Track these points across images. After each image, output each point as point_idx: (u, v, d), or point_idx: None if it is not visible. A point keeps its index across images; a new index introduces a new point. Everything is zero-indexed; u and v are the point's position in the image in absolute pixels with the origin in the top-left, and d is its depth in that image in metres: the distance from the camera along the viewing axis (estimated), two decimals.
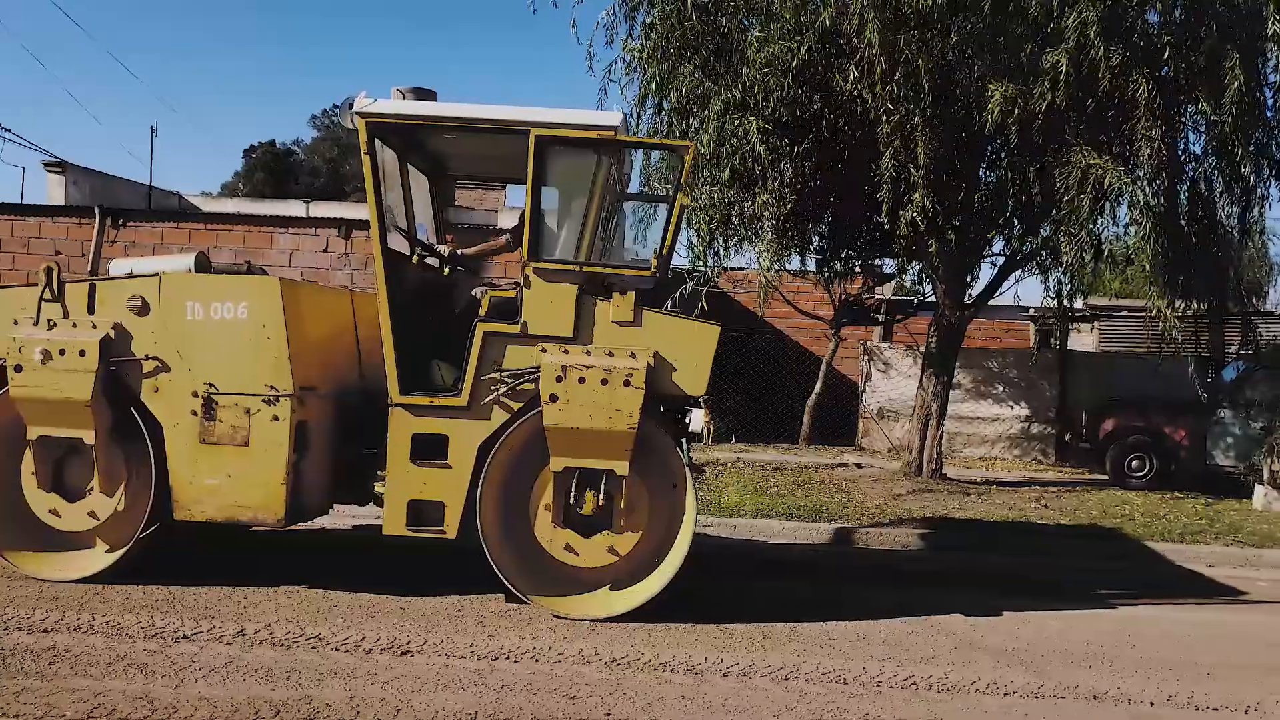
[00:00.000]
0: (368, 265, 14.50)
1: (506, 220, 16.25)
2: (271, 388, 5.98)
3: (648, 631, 5.77)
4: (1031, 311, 18.35)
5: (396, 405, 6.04)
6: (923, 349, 13.26)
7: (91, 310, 6.10)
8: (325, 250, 14.48)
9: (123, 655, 4.92)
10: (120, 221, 14.55)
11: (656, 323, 6.01)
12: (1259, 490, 11.61)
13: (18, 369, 5.96)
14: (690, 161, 6.19)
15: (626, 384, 5.75)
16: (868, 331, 17.83)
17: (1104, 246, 9.78)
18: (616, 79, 11.43)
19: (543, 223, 6.03)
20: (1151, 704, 5.06)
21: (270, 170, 48.23)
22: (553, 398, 5.78)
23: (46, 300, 6.06)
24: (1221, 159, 9.86)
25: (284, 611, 5.77)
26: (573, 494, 5.96)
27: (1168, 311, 9.47)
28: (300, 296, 6.29)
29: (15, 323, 6.08)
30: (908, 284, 17.49)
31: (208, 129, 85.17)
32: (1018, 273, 11.65)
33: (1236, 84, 8.52)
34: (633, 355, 5.86)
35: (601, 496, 5.90)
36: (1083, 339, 19.02)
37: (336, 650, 5.18)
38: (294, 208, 23.33)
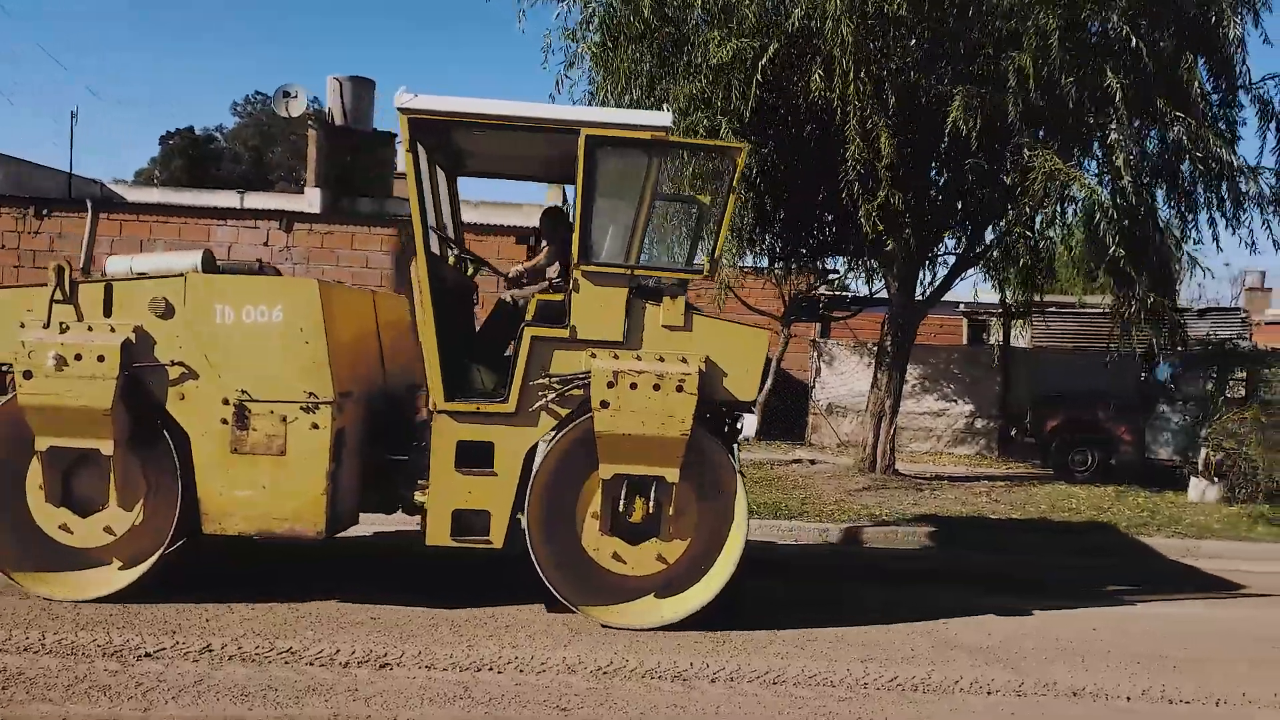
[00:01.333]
0: (310, 259, 14.14)
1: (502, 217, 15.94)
2: (310, 394, 5.68)
3: (629, 638, 5.68)
4: (962, 307, 18.71)
5: (441, 412, 5.81)
6: (871, 345, 13.41)
7: (108, 312, 5.71)
8: (266, 243, 14.04)
9: (82, 676, 4.65)
10: (45, 212, 13.95)
11: (707, 327, 5.90)
12: (1194, 482, 12.00)
13: (27, 375, 5.53)
14: (742, 163, 6.04)
15: (679, 389, 5.62)
16: (809, 328, 17.99)
17: (1055, 246, 9.96)
18: (575, 73, 11.37)
19: (593, 225, 5.84)
20: (1128, 699, 5.15)
21: (189, 157, 46.56)
22: (604, 404, 5.64)
23: (57, 301, 5.65)
24: (1162, 170, 10.18)
25: (249, 625, 5.53)
26: (622, 501, 5.82)
27: (1124, 310, 9.71)
28: (334, 297, 5.98)
29: (22, 325, 5.66)
30: (848, 282, 17.68)
31: (127, 115, 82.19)
32: (972, 270, 11.84)
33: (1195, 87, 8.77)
34: (684, 360, 5.73)
35: (651, 504, 5.78)
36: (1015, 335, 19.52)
37: (311, 665, 4.98)
38: (226, 198, 22.61)
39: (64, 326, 5.65)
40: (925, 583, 7.58)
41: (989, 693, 5.13)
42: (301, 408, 5.67)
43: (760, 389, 6.10)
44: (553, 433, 5.85)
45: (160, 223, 14.05)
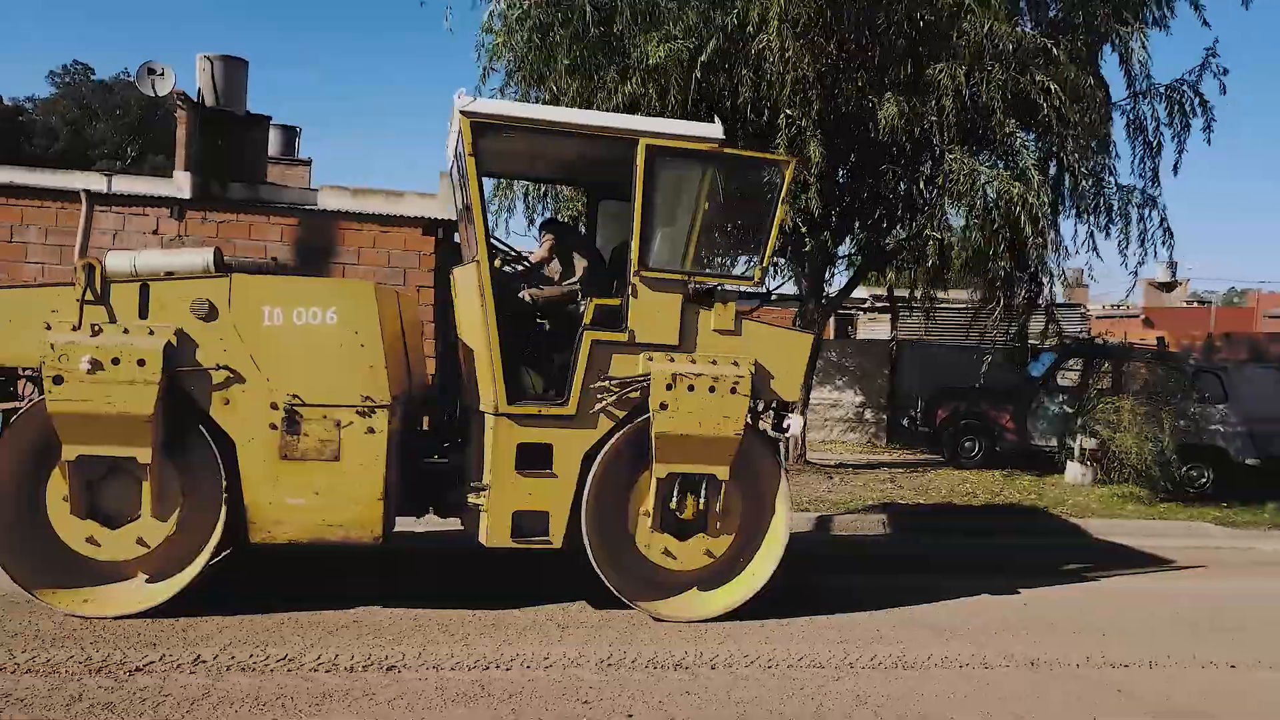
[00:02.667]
0: (204, 249, 13.46)
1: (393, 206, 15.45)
2: (367, 398, 5.54)
3: (614, 631, 5.80)
4: (824, 301, 19.58)
5: (502, 415, 5.77)
6: None
7: (144, 314, 5.39)
8: (155, 231, 13.27)
9: (77, 695, 4.43)
10: None
11: (754, 331, 6.10)
12: (1070, 466, 13.05)
13: (57, 380, 5.13)
14: (790, 175, 6.22)
15: (733, 391, 5.82)
16: None
17: (960, 246, 10.62)
18: (498, 67, 11.33)
19: (651, 232, 5.90)
20: (1078, 665, 5.66)
21: None
22: (663, 405, 5.76)
23: (88, 302, 5.28)
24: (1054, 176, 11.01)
25: (230, 634, 5.35)
26: (675, 499, 5.95)
27: (1015, 305, 10.48)
28: (383, 299, 5.80)
29: (48, 327, 5.23)
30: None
31: None
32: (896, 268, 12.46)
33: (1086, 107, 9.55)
34: (735, 363, 5.91)
35: (705, 501, 5.94)
36: (879, 328, 20.54)
37: (316, 671, 4.89)
38: (82, 180, 21.19)
39: (96, 328, 5.29)
40: (886, 571, 7.98)
41: (960, 666, 5.54)
42: (357, 412, 5.55)
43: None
44: (611, 434, 5.93)
45: (34, 207, 13.04)
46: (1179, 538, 10.38)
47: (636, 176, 5.80)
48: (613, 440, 5.92)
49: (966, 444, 13.87)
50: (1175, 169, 11.56)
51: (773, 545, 6.18)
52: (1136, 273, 11.48)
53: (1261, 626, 6.76)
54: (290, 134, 31.39)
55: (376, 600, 6.06)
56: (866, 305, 21.38)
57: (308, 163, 29.73)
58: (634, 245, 5.86)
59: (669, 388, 5.79)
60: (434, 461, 6.09)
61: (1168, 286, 41.95)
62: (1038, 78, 9.41)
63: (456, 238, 15.91)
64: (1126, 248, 11.23)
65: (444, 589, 6.43)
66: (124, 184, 19.57)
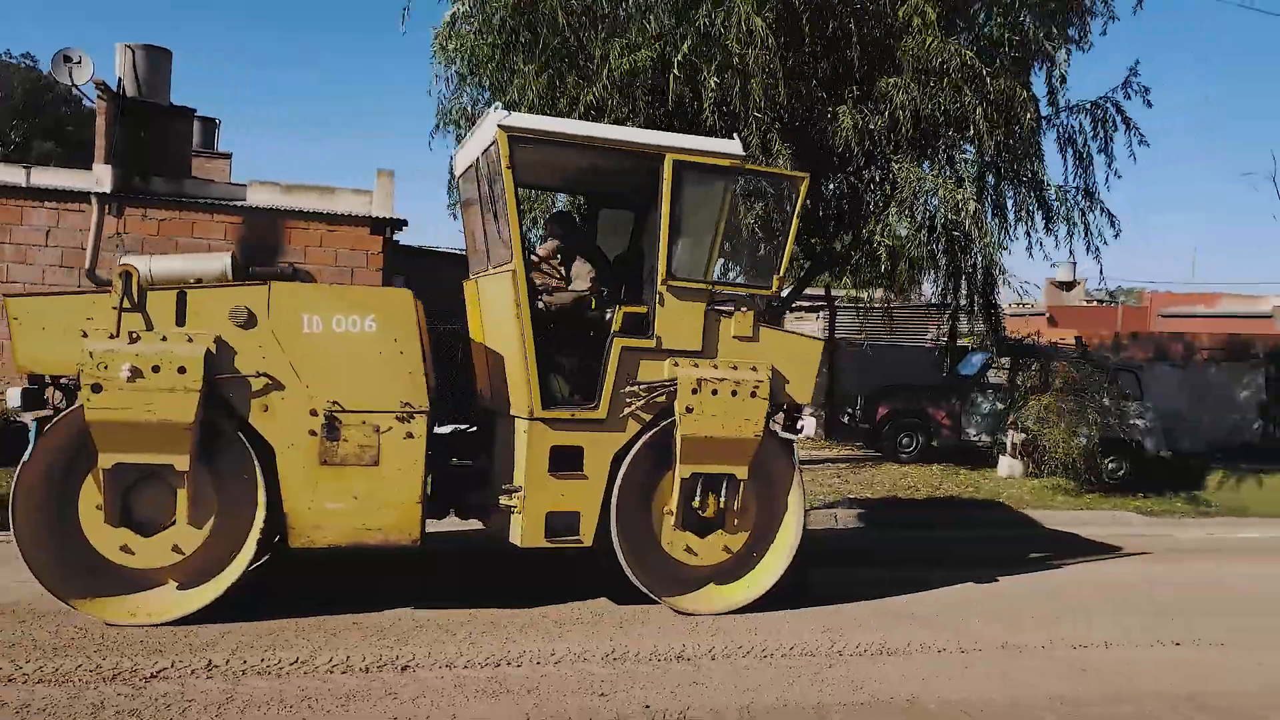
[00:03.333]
0: (144, 245, 13.12)
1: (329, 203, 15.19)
2: (406, 404, 5.63)
3: (610, 626, 5.98)
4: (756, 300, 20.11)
5: (536, 419, 5.90)
6: None
7: (181, 321, 5.36)
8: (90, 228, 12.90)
9: (100, 703, 4.42)
10: None
11: (771, 338, 6.37)
12: (1002, 460, 13.72)
13: (96, 389, 5.09)
14: (804, 190, 6.49)
15: (753, 395, 6.11)
16: None
17: (908, 250, 11.09)
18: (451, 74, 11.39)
19: (676, 243, 6.09)
20: (1043, 647, 6.08)
21: None
22: (688, 409, 6.00)
23: (126, 310, 5.21)
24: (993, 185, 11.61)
25: (233, 638, 5.36)
26: (697, 497, 6.19)
27: (952, 306, 11.01)
28: (416, 306, 5.85)
29: (85, 335, 5.15)
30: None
31: None
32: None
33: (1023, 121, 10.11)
34: (754, 368, 6.17)
35: (725, 499, 6.19)
36: (806, 327, 21.10)
37: (331, 673, 4.96)
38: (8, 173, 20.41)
39: (134, 336, 5.25)
40: (858, 564, 8.30)
41: (938, 650, 5.89)
42: (396, 417, 5.63)
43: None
44: (638, 436, 6.12)
45: None
46: (1106, 526, 11.06)
47: (664, 190, 6.01)
48: (640, 442, 6.13)
49: (904, 440, 14.43)
50: (1107, 180, 12.29)
51: (786, 540, 6.49)
52: (1101, 270, 12.18)
53: (1203, 608, 7.31)
54: (209, 126, 30.54)
55: (369, 603, 6.12)
56: (794, 305, 21.93)
57: (228, 156, 29.03)
58: (661, 256, 6.07)
59: (694, 392, 6.04)
60: (457, 464, 6.19)
61: (1067, 285, 43.84)
62: (983, 89, 9.90)
63: (400, 237, 15.89)
64: (1071, 248, 11.86)
65: (429, 590, 6.51)
66: (43, 177, 18.92)
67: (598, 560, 6.29)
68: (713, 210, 6.30)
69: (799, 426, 6.58)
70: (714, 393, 6.07)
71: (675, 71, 9.11)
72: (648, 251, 6.53)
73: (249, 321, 5.47)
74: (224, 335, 5.44)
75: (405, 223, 14.25)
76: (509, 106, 11.15)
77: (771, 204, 6.29)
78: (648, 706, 4.74)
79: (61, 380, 5.53)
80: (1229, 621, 6.90)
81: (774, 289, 6.76)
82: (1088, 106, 11.94)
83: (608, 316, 6.33)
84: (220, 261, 5.73)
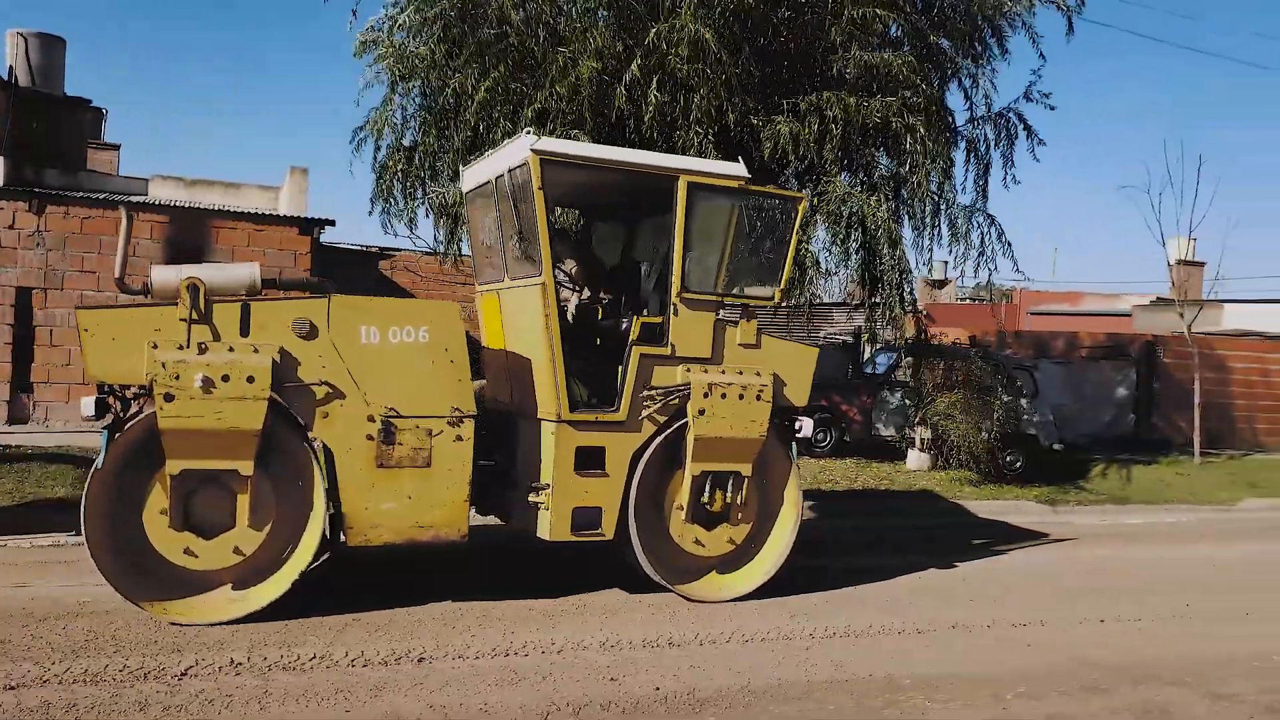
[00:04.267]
0: (66, 245, 12.78)
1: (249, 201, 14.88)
2: (456, 409, 5.95)
3: (596, 617, 6.36)
4: None
5: (563, 422, 6.23)
6: None
7: (245, 332, 5.51)
8: (12, 226, 12.48)
9: (143, 701, 4.56)
10: None
11: (771, 345, 6.87)
12: (912, 454, 14.64)
13: (169, 398, 5.22)
14: (803, 210, 7.01)
15: (758, 398, 6.61)
16: None
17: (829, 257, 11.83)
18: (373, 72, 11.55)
19: (688, 259, 6.49)
20: (988, 626, 6.76)
21: None
22: (700, 412, 6.47)
23: (194, 321, 5.35)
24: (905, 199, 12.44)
25: (244, 637, 5.51)
26: (706, 493, 6.64)
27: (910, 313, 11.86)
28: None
29: (155, 346, 5.27)
30: None
31: None
32: None
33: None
34: (758, 373, 6.66)
35: (731, 494, 6.66)
36: None
37: (354, 666, 5.19)
38: None
39: (203, 347, 5.39)
40: (810, 555, 8.85)
41: (898, 632, 6.50)
42: (448, 422, 5.95)
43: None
44: (654, 437, 6.53)
45: None
46: (1013, 514, 12.05)
47: (677, 209, 6.45)
48: (656, 442, 6.58)
49: (818, 434, 15.22)
50: (1005, 183, 13.28)
51: (785, 530, 7.06)
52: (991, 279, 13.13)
53: (1125, 586, 8.20)
54: (96, 116, 29.33)
55: (361, 601, 6.30)
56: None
57: (116, 148, 27.97)
58: (675, 270, 6.50)
59: (706, 396, 6.53)
60: (483, 463, 6.47)
61: (940, 284, 46.02)
62: (906, 103, 10.66)
63: (324, 237, 15.78)
64: (965, 261, 12.77)
65: (415, 588, 6.71)
66: None
67: (597, 555, 6.66)
68: (721, 227, 6.79)
69: (797, 427, 7.12)
70: (723, 396, 6.58)
71: (621, 88, 9.51)
72: (645, 262, 6.93)
73: (310, 333, 5.72)
74: (287, 346, 5.67)
75: (332, 223, 14.24)
76: (447, 113, 11.42)
77: (771, 221, 6.77)
78: (658, 689, 5.15)
79: (122, 390, 5.63)
80: (1154, 599, 7.77)
81: (776, 300, 7.27)
82: (992, 117, 12.91)
83: (624, 325, 6.76)
84: (249, 271, 5.88)
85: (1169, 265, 22.66)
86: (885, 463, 14.59)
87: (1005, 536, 10.42)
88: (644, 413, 6.56)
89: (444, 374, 6.01)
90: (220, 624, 5.67)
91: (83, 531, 5.43)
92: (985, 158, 12.89)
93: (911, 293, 12.80)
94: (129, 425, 5.51)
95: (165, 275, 5.75)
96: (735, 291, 6.99)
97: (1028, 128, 12.92)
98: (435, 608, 6.33)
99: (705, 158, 10.10)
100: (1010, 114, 12.92)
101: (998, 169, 12.91)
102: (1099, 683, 5.65)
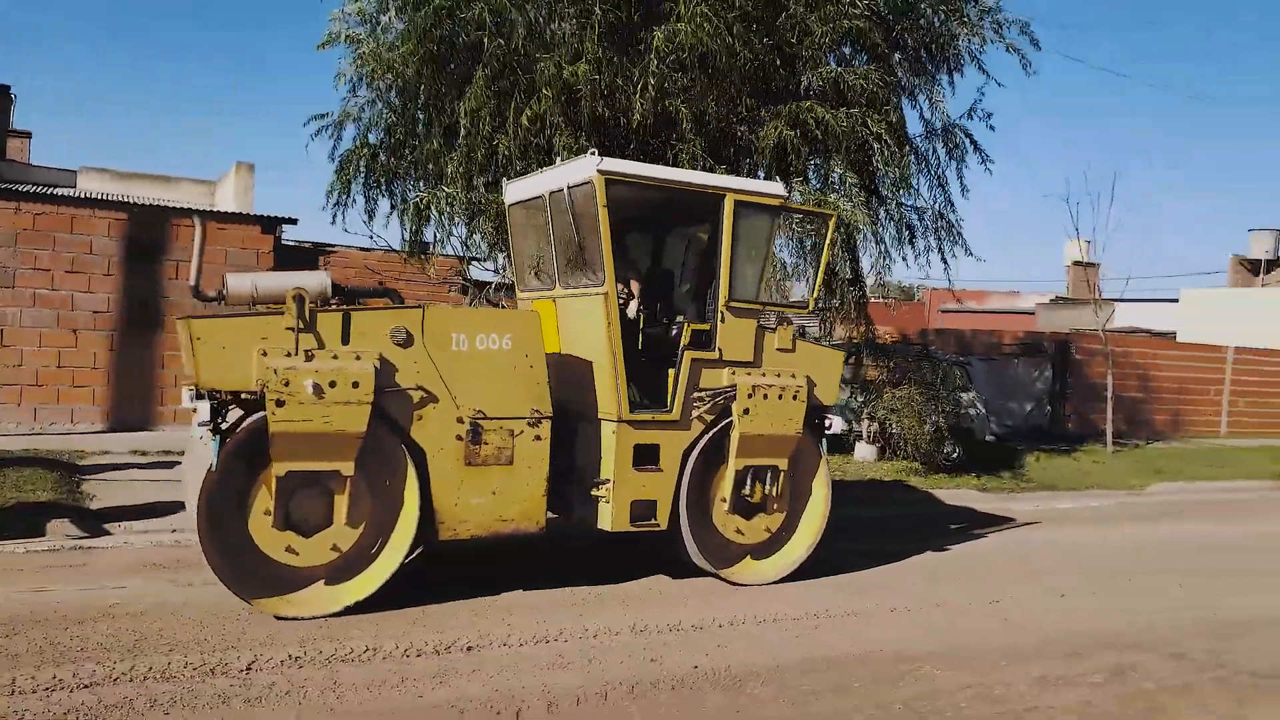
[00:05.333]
0: (18, 243, 12.48)
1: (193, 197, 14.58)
2: (536, 411, 6.31)
3: (617, 605, 6.70)
4: None
5: (623, 421, 6.63)
6: None
7: (345, 340, 5.75)
8: None
9: (223, 695, 4.73)
10: None
11: (803, 349, 7.37)
12: (859, 446, 15.37)
13: (280, 403, 5.44)
14: (833, 225, 7.58)
15: (795, 398, 7.13)
16: None
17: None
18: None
19: (735, 270, 6.94)
20: (969, 604, 7.35)
21: None
22: (745, 411, 6.94)
23: (301, 330, 5.55)
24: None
25: (289, 634, 5.65)
26: (747, 486, 7.12)
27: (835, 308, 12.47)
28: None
29: (264, 354, 5.48)
30: None
31: None
32: None
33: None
34: (793, 375, 7.16)
35: (769, 486, 7.15)
36: None
37: (409, 657, 5.40)
38: None
39: (310, 354, 5.61)
40: None
41: (890, 610, 6.99)
42: (528, 422, 6.32)
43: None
44: (702, 435, 6.96)
45: None
46: (962, 502, 12.81)
47: (724, 224, 6.91)
48: (704, 440, 7.03)
49: None
50: (963, 192, 14.07)
51: (815, 519, 7.62)
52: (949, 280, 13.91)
53: (1083, 564, 8.93)
54: (3, 102, 28.21)
55: (396, 596, 6.39)
56: None
57: (27, 135, 26.97)
58: (723, 281, 6.96)
59: (750, 397, 7.02)
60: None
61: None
62: (873, 118, 11.30)
63: (287, 236, 15.66)
64: (929, 262, 13.53)
65: (435, 579, 6.94)
66: None
67: (608, 550, 7.00)
68: (761, 241, 7.32)
69: (828, 424, 7.69)
70: (765, 397, 7.09)
71: (601, 95, 9.90)
72: (674, 270, 7.31)
73: (407, 341, 6.02)
74: (385, 353, 5.95)
75: (294, 221, 14.19)
76: (441, 118, 11.59)
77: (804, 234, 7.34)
78: (696, 667, 5.54)
79: (244, 395, 5.79)
80: (1107, 574, 8.52)
81: (810, 308, 7.81)
82: (940, 132, 13.65)
83: (673, 332, 7.24)
84: (320, 280, 6.08)
85: (1066, 266, 23.98)
86: (834, 455, 15.26)
87: (984, 521, 11.21)
88: (694, 412, 7.03)
89: (525, 378, 6.40)
90: (321, 617, 5.96)
91: (198, 533, 5.63)
92: (937, 169, 13.61)
93: (864, 295, 13.49)
94: (240, 430, 5.69)
95: (239, 283, 6.03)
96: (775, 300, 7.48)
97: (975, 145, 13.67)
98: (468, 602, 6.53)
99: (696, 162, 10.59)
100: (956, 130, 13.65)
101: (953, 180, 13.66)
102: (1075, 650, 6.27)
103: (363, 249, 19.25)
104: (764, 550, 7.57)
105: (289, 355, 5.67)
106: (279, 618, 5.90)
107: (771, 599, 7.09)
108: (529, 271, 8.00)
